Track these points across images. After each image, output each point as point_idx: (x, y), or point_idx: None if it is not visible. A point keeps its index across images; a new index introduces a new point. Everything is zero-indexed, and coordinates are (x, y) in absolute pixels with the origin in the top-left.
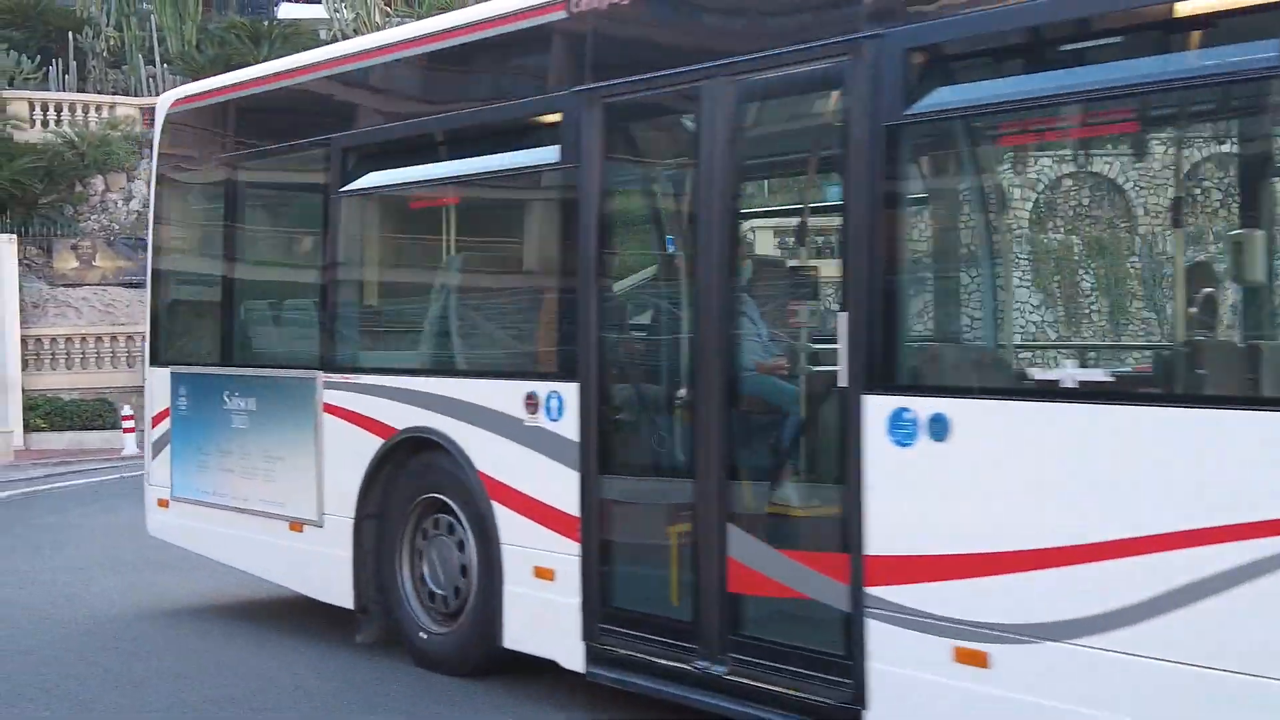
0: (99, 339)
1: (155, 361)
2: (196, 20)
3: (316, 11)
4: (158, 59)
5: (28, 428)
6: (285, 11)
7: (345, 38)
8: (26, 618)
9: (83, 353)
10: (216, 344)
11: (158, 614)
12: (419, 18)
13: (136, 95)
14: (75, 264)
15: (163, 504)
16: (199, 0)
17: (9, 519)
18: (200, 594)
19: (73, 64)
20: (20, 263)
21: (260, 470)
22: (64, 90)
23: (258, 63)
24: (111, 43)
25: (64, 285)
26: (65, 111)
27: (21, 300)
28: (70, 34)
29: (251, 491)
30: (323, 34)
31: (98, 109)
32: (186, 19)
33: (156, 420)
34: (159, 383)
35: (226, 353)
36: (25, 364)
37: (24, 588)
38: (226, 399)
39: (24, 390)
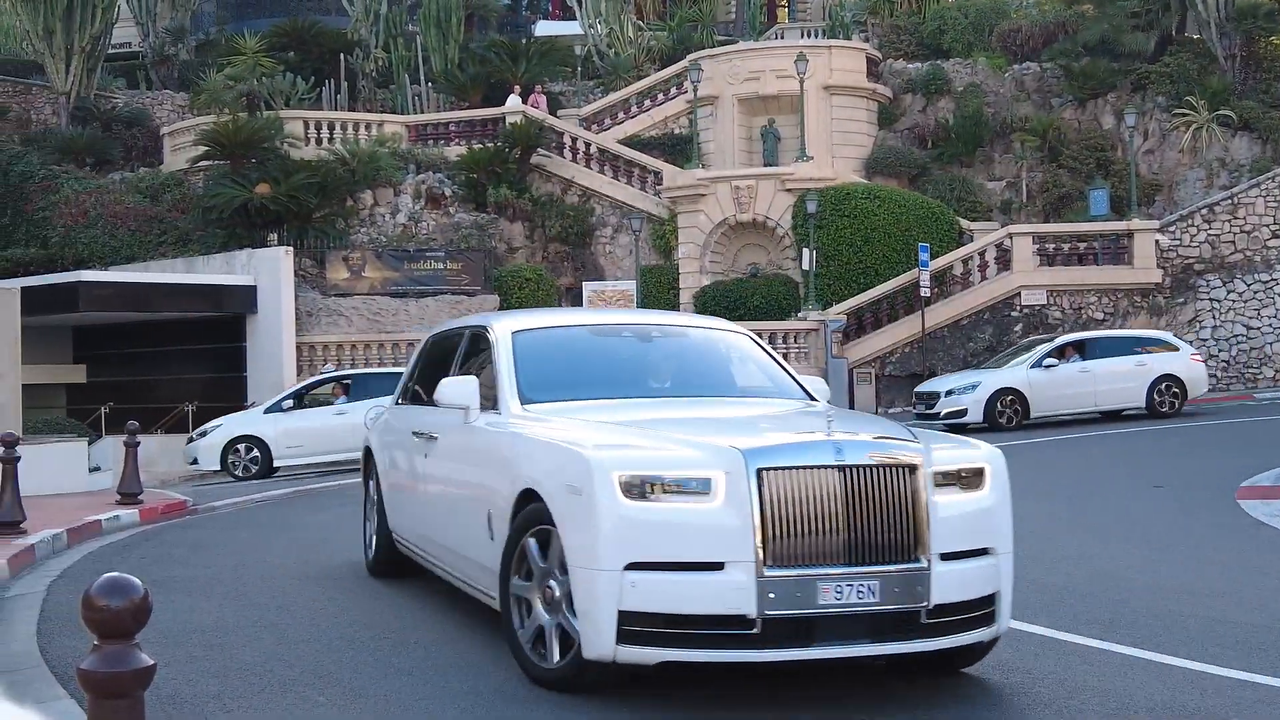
0: (367, 346)
1: None
2: (459, 40)
3: (572, 28)
4: (422, 77)
5: None
6: (543, 29)
7: (600, 53)
8: (307, 609)
9: (352, 359)
10: None
11: (423, 607)
12: (671, 31)
13: (403, 113)
14: (346, 274)
15: None
16: (461, 21)
17: (290, 516)
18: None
19: (343, 84)
20: (295, 273)
21: None
22: (335, 109)
23: (517, 79)
24: (379, 63)
25: (335, 295)
26: (337, 129)
27: (296, 309)
28: (341, 56)
29: None
30: (578, 49)
31: (367, 126)
32: (449, 39)
33: None
34: None
35: None
36: (299, 370)
37: (302, 580)
38: None
39: None
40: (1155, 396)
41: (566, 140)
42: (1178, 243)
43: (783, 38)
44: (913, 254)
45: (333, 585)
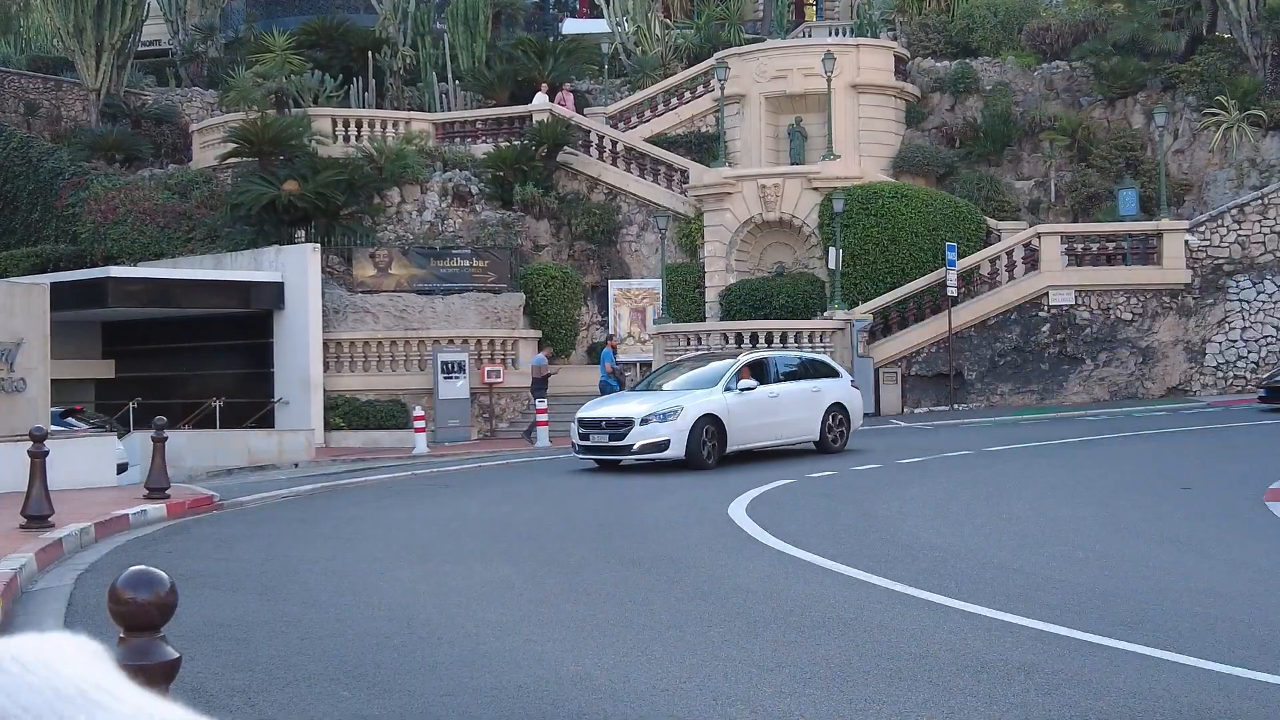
0: (393, 343)
1: None
2: (486, 38)
3: (599, 26)
4: (450, 75)
5: (327, 426)
6: (570, 27)
7: (627, 51)
8: (334, 604)
9: (379, 356)
10: None
11: (448, 603)
12: (698, 29)
13: (430, 111)
14: (373, 272)
15: None
16: (489, 18)
17: (315, 512)
18: (484, 585)
19: (371, 82)
20: (322, 270)
21: None
22: (363, 107)
23: (544, 77)
24: (407, 61)
25: (362, 292)
26: (364, 127)
27: (323, 306)
28: (369, 53)
29: None
30: (605, 47)
31: (394, 124)
32: (477, 37)
33: None
34: None
35: None
36: (326, 366)
37: (327, 575)
38: None
39: (325, 391)
40: (827, 430)
41: (593, 138)
42: (1207, 243)
43: (810, 36)
44: (940, 253)
45: (358, 580)
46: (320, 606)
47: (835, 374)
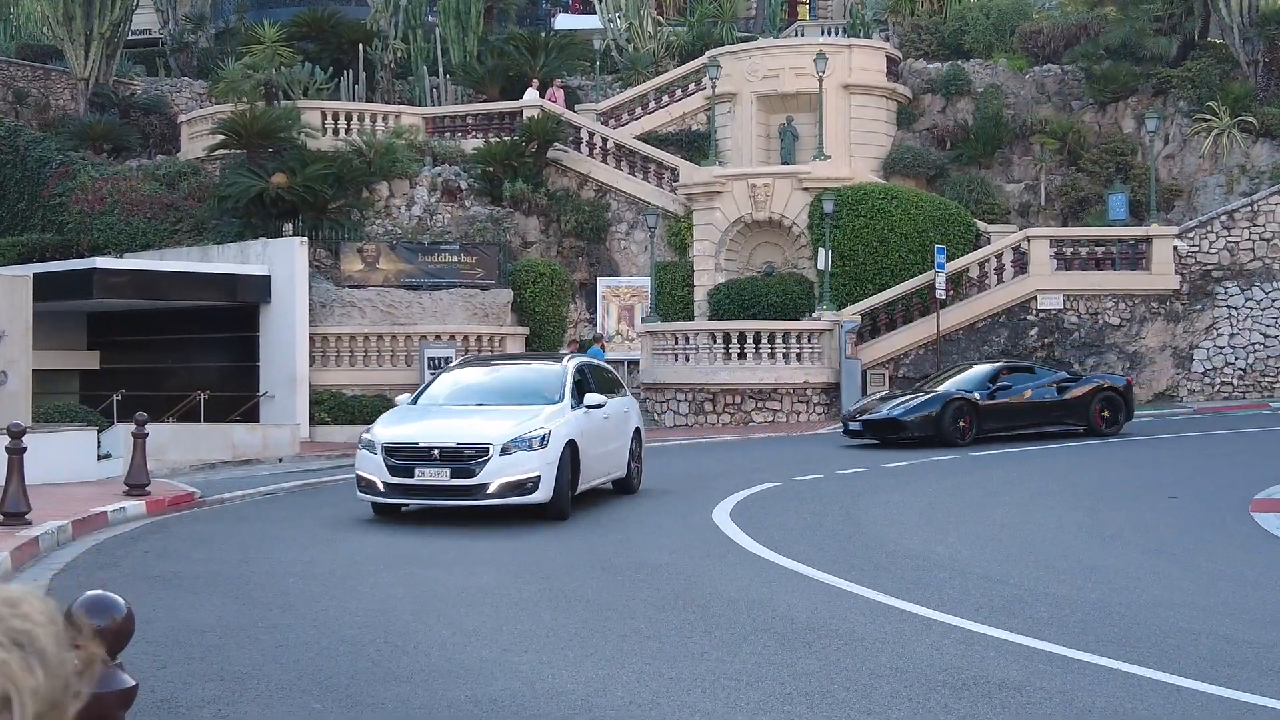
0: (380, 338)
1: None
2: (478, 32)
3: (592, 22)
4: (441, 70)
5: (313, 421)
6: (562, 22)
7: (619, 47)
8: (311, 610)
9: (365, 351)
10: None
11: (425, 610)
12: (691, 27)
13: (420, 105)
14: (360, 266)
15: None
16: (480, 13)
17: (297, 510)
18: (462, 590)
19: (362, 75)
20: (310, 264)
21: None
22: (353, 100)
23: (535, 73)
24: (398, 54)
25: (349, 286)
26: (354, 120)
27: (310, 300)
28: (360, 46)
29: None
30: (596, 44)
31: (384, 118)
32: (468, 31)
33: None
34: None
35: None
36: (312, 360)
37: (306, 579)
38: None
39: (310, 385)
40: (633, 461)
41: (584, 135)
42: (1196, 249)
43: (803, 35)
44: (929, 255)
45: (337, 584)
46: (297, 612)
47: (622, 388)
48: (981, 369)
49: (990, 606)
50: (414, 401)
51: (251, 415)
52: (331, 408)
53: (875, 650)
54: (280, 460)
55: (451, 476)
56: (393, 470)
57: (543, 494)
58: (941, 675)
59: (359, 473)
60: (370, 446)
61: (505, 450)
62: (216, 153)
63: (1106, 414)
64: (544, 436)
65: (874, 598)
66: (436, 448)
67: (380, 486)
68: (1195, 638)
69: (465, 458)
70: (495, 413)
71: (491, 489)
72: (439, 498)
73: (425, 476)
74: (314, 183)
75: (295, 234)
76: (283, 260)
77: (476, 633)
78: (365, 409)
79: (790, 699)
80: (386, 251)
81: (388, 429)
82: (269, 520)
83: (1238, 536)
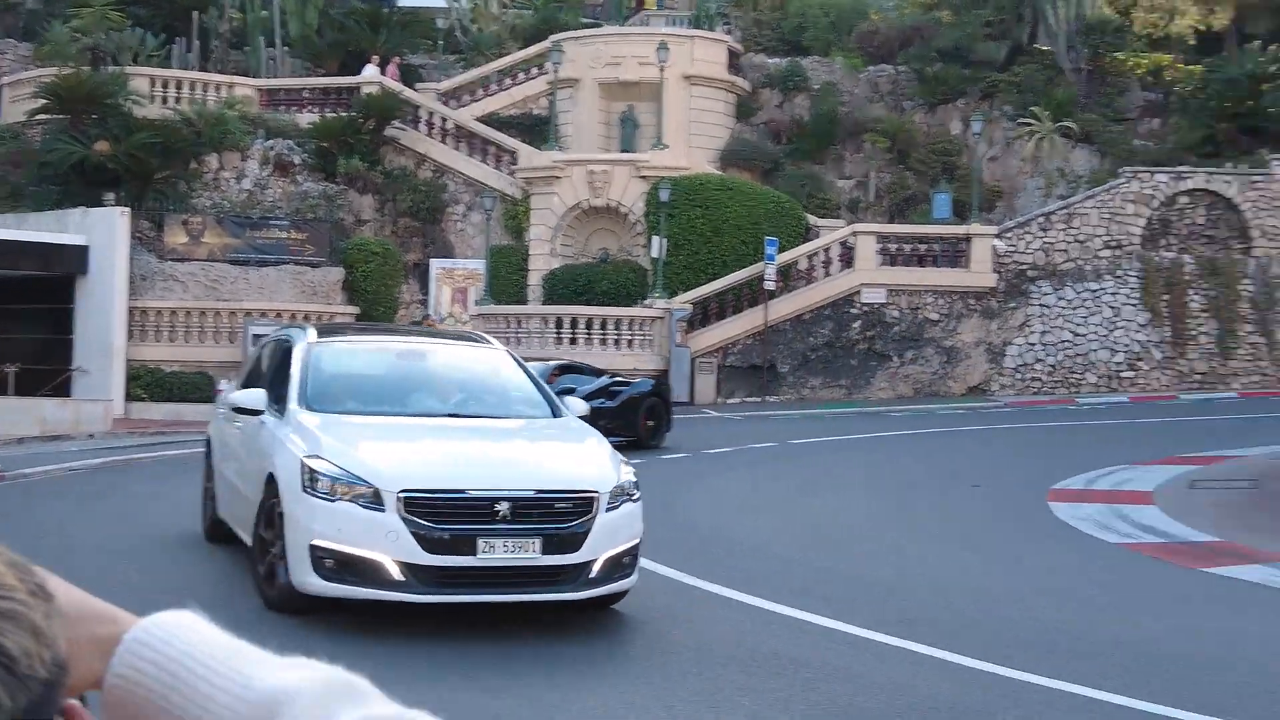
0: (203, 313)
1: None
2: (319, 5)
3: (436, 1)
4: (279, 41)
5: (129, 397)
6: None
7: (463, 28)
8: (109, 596)
9: (186, 326)
10: None
11: (244, 579)
12: (536, 10)
13: (256, 76)
14: (185, 239)
15: None
16: None
17: (103, 487)
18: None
19: (195, 43)
20: (132, 236)
21: None
22: (186, 69)
23: (377, 49)
24: (234, 24)
25: (173, 259)
26: (185, 89)
27: (131, 273)
28: (195, 13)
29: None
30: (440, 23)
31: (216, 88)
32: (309, 3)
33: None
34: None
35: None
36: (130, 334)
37: (108, 554)
38: None
39: (128, 360)
40: None
41: (423, 114)
42: (1014, 249)
43: (648, 24)
44: (762, 247)
45: (144, 563)
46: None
47: None
48: (539, 365)
49: (790, 588)
50: (296, 399)
51: (64, 390)
52: (149, 384)
53: (675, 627)
54: (91, 436)
55: (544, 552)
56: (429, 543)
57: (635, 574)
58: (730, 650)
59: (325, 544)
60: (362, 499)
61: (612, 503)
62: (38, 117)
63: (651, 423)
64: (635, 480)
65: (681, 579)
66: (503, 499)
67: (395, 572)
68: (977, 620)
69: (560, 517)
70: (490, 431)
71: (596, 570)
72: (514, 590)
73: (495, 553)
74: (139, 151)
75: (118, 204)
76: (102, 230)
77: (265, 618)
78: (184, 385)
79: (569, 677)
80: (213, 225)
81: (367, 459)
82: (72, 497)
83: (1033, 525)
